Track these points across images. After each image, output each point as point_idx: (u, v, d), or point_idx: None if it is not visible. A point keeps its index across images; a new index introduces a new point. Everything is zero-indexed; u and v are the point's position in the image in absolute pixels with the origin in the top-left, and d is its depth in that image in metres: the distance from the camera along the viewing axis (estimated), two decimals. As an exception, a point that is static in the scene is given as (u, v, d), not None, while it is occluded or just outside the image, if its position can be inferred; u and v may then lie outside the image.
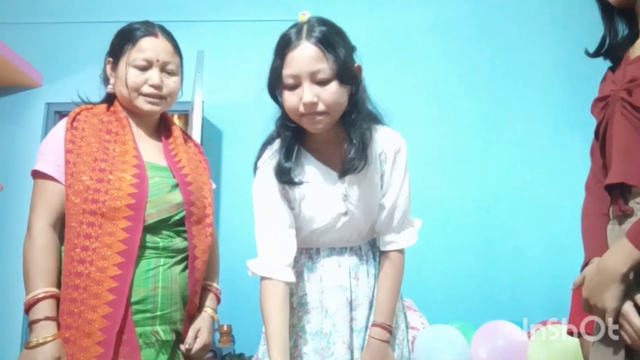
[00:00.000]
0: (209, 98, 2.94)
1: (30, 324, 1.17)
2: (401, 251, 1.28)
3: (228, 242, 3.11)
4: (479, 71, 3.16)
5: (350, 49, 1.18)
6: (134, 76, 1.31)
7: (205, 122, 2.87)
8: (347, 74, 1.14)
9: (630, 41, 1.10)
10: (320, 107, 1.12)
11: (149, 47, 1.32)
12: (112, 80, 1.35)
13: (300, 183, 1.20)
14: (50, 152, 1.27)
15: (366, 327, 1.24)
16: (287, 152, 1.21)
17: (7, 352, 2.88)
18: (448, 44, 3.19)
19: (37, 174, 1.26)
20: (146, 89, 1.32)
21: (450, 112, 3.12)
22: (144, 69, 1.32)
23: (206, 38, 3.15)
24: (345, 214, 1.23)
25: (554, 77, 3.11)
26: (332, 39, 1.13)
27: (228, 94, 3.15)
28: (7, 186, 3.05)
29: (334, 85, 1.12)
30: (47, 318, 1.16)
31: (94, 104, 1.39)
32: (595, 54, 1.13)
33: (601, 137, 1.08)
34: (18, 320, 2.90)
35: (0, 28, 3.12)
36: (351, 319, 1.23)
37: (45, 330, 1.15)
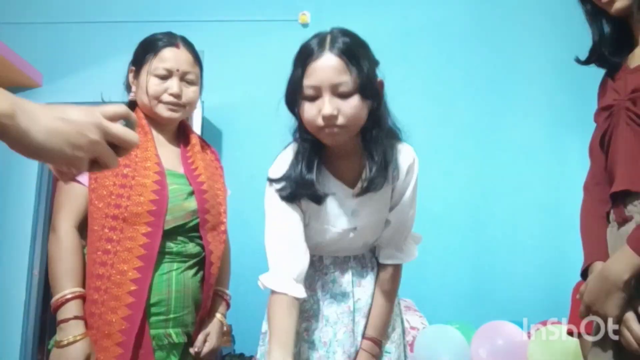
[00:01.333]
0: (209, 98, 2.93)
1: (58, 324, 1.20)
2: (400, 265, 1.28)
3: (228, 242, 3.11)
4: (477, 72, 3.15)
5: (374, 62, 1.14)
6: (154, 85, 1.33)
7: (205, 122, 2.88)
8: (370, 88, 1.10)
9: (625, 48, 1.10)
10: (340, 120, 1.08)
11: (170, 57, 1.35)
12: (134, 88, 1.38)
13: (326, 196, 1.16)
14: None
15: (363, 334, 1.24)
16: (308, 164, 1.16)
17: (7, 351, 2.88)
18: (446, 44, 3.19)
19: None
20: (166, 97, 1.35)
21: (449, 113, 3.12)
22: (164, 77, 1.34)
23: (206, 38, 3.13)
24: (354, 229, 1.21)
25: (552, 78, 3.11)
26: (355, 51, 1.09)
27: (228, 94, 3.15)
28: (7, 186, 3.05)
29: (355, 99, 1.08)
30: (75, 317, 1.19)
31: None
32: (587, 62, 1.14)
33: (606, 146, 1.09)
34: (18, 320, 2.90)
35: (0, 28, 3.12)
36: (354, 324, 1.22)
37: (75, 329, 1.18)
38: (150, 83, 1.34)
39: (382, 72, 1.19)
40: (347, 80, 1.07)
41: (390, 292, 1.25)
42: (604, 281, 0.96)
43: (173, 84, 1.35)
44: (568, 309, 1.66)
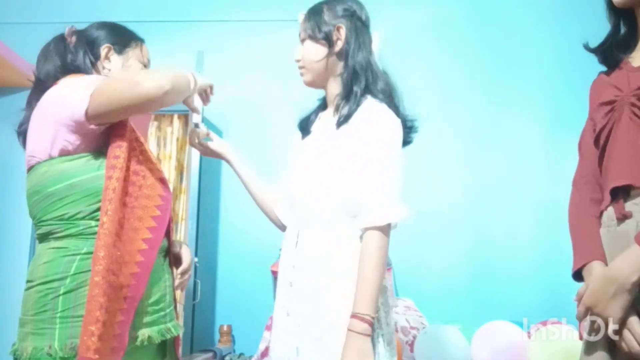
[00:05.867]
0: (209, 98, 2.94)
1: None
2: (371, 230, 1.16)
3: (228, 242, 3.11)
4: (477, 71, 3.15)
5: (334, 13, 1.30)
6: None
7: (205, 122, 2.87)
8: (319, 32, 1.29)
9: (626, 46, 1.11)
10: (300, 63, 1.33)
11: (146, 51, 1.43)
12: (108, 66, 1.34)
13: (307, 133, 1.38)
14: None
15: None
16: (317, 108, 1.41)
17: (7, 351, 2.87)
18: (445, 44, 3.19)
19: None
20: None
21: (447, 113, 3.12)
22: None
23: (206, 38, 3.14)
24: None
25: (552, 77, 3.11)
26: (317, 7, 1.33)
27: (228, 94, 3.14)
28: (7, 186, 3.05)
29: (307, 43, 1.32)
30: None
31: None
32: (595, 50, 1.14)
33: (603, 142, 1.08)
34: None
35: (0, 28, 3.12)
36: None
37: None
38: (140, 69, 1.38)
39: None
40: (302, 29, 1.33)
41: (360, 265, 1.15)
42: (610, 283, 0.94)
43: None
44: (568, 309, 1.66)
